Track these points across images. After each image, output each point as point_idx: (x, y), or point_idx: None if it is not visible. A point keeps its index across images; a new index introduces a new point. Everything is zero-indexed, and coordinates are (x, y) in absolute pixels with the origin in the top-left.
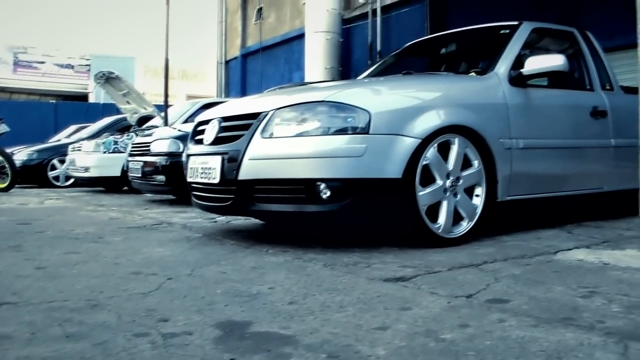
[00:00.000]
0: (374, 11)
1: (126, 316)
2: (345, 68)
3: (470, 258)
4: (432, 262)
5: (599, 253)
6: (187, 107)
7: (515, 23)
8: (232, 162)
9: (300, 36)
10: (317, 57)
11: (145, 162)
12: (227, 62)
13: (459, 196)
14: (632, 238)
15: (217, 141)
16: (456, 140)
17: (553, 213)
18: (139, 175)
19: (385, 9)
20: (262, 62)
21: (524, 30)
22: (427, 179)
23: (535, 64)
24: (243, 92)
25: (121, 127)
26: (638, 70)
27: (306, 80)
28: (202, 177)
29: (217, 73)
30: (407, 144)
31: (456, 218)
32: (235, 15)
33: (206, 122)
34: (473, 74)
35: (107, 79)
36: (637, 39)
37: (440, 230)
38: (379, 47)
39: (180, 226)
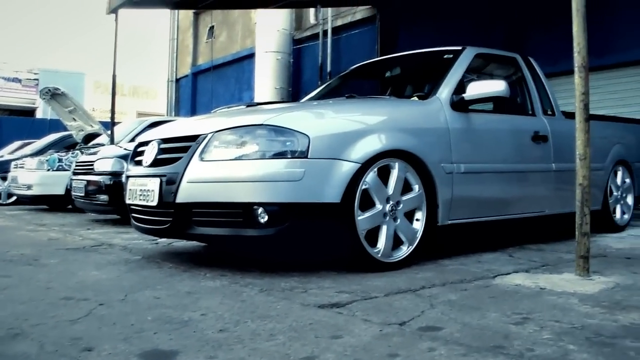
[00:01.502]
0: (325, 32)
1: (49, 346)
2: (296, 89)
3: (408, 283)
4: (369, 287)
5: (536, 277)
6: (134, 126)
7: (459, 48)
8: (170, 185)
9: (251, 55)
10: (267, 77)
11: (88, 181)
12: (177, 80)
13: (399, 220)
14: (570, 261)
15: (155, 163)
16: (396, 165)
17: (496, 236)
18: (82, 194)
19: (336, 30)
20: (212, 81)
21: (467, 56)
22: (367, 203)
23: (476, 89)
24: (193, 111)
25: (68, 145)
26: (575, 95)
27: (256, 100)
28: (140, 199)
29: (168, 91)
30: (346, 168)
31: (396, 242)
32: (187, 33)
33: (146, 143)
34: (415, 98)
35: (53, 95)
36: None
37: (379, 255)
38: (329, 68)
39: (120, 248)
